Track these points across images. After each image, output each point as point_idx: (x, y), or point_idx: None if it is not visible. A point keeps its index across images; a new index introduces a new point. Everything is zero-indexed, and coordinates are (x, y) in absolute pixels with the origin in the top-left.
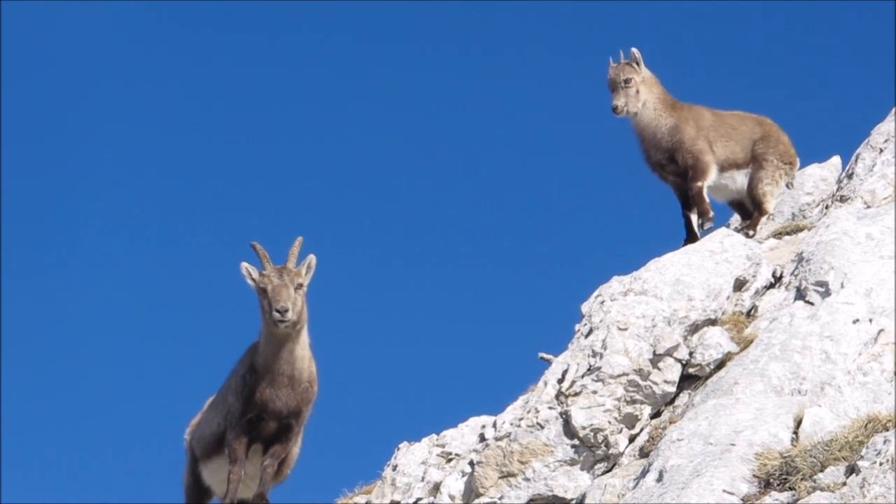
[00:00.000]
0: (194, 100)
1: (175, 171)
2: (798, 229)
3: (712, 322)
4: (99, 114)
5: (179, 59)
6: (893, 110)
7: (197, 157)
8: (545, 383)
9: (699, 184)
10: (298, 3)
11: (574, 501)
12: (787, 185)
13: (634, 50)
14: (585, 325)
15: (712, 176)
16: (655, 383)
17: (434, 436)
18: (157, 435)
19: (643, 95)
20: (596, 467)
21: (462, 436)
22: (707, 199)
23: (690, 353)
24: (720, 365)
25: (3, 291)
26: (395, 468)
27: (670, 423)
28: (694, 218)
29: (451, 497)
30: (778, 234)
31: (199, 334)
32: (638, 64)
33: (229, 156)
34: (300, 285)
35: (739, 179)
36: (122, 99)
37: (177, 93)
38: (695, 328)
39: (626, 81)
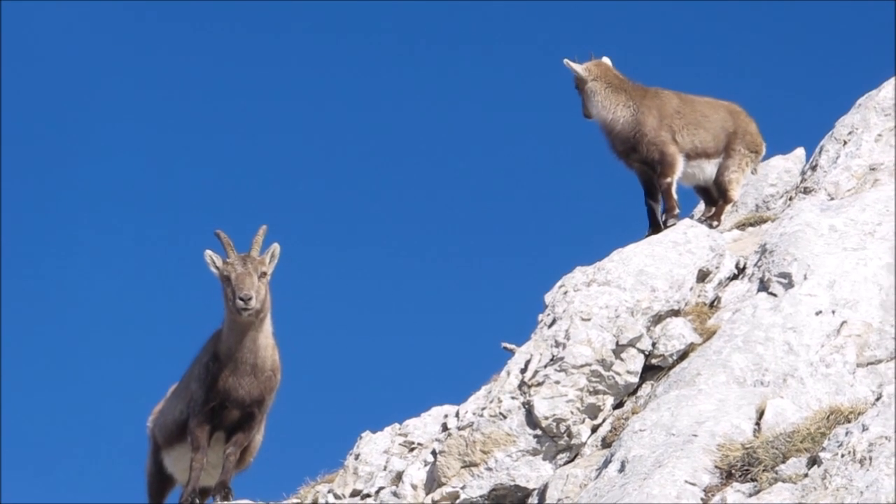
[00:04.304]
0: (180, 96)
1: (142, 161)
2: (761, 221)
3: (675, 313)
4: (97, 113)
5: (175, 58)
6: (857, 102)
7: (165, 147)
8: (508, 373)
9: (668, 180)
10: (283, 3)
11: (536, 491)
12: (751, 172)
13: (567, 62)
14: (549, 315)
15: (680, 168)
16: (618, 374)
17: (397, 425)
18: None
19: (597, 96)
20: (558, 457)
21: (425, 425)
22: (675, 196)
23: (653, 344)
24: (683, 356)
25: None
26: (357, 457)
27: (633, 413)
28: (658, 208)
29: (414, 486)
30: (741, 226)
31: (163, 322)
32: (588, 70)
33: (194, 145)
34: (264, 274)
35: (709, 169)
36: (121, 98)
37: (168, 92)
38: (658, 319)
39: (580, 88)
